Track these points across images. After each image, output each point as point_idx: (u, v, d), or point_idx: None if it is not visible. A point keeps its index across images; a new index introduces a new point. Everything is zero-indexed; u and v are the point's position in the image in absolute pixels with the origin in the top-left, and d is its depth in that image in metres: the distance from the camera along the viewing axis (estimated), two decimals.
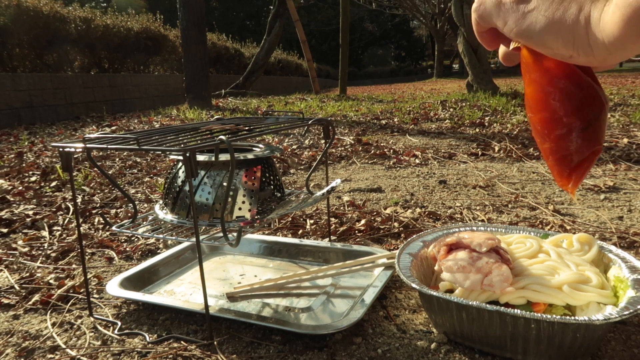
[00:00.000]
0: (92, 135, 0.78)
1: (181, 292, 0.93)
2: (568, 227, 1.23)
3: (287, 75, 12.48)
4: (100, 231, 1.35)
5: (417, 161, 2.24)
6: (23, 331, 0.82)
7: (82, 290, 0.95)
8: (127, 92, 5.85)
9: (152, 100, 6.32)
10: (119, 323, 0.82)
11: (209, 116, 4.37)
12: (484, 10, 0.39)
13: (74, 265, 1.11)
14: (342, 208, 1.49)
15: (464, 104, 4.46)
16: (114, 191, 1.81)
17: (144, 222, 0.91)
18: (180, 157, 0.74)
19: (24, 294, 0.95)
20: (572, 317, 0.59)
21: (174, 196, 0.86)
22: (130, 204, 1.28)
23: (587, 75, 0.38)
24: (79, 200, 1.69)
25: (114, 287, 0.88)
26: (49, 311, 0.89)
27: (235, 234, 0.76)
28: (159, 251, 1.19)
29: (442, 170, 2.04)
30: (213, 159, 0.78)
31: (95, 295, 0.95)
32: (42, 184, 1.95)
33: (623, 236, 1.14)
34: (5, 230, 1.37)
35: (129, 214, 1.50)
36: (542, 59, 0.38)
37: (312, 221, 1.35)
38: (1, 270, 1.08)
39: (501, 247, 0.74)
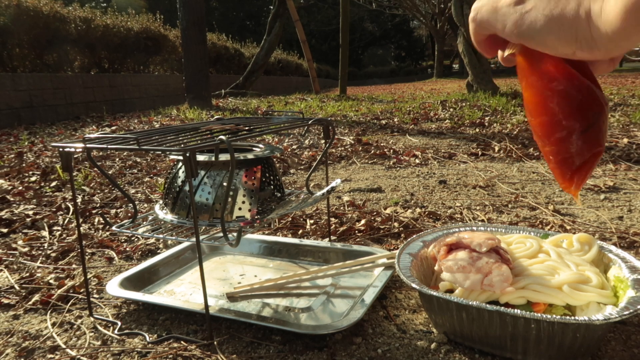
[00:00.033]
0: (92, 135, 0.78)
1: (181, 292, 0.93)
2: (568, 227, 1.23)
3: (287, 75, 12.48)
4: (100, 231, 1.35)
5: (417, 161, 2.24)
6: (23, 331, 0.82)
7: (82, 290, 0.95)
8: (127, 92, 5.86)
9: (152, 100, 6.32)
10: (119, 323, 0.82)
11: (209, 116, 4.36)
12: (481, 18, 0.39)
13: (74, 265, 1.11)
14: (342, 208, 1.49)
15: (464, 104, 4.46)
16: (114, 191, 1.81)
17: (144, 222, 0.91)
18: (180, 157, 0.74)
19: (24, 294, 0.95)
20: (572, 317, 0.59)
21: (174, 196, 0.86)
22: (130, 204, 1.28)
23: (585, 77, 0.38)
24: (79, 200, 1.70)
25: (114, 287, 0.88)
26: (49, 311, 0.89)
27: (235, 234, 0.76)
28: (159, 251, 1.19)
29: (442, 170, 2.04)
30: (213, 159, 0.78)
31: (95, 295, 0.95)
32: (42, 184, 1.95)
33: (623, 236, 1.14)
34: (5, 230, 1.37)
35: (129, 214, 1.50)
36: (539, 62, 0.38)
37: (312, 221, 1.35)
38: (1, 270, 1.08)
39: (501, 247, 0.74)
